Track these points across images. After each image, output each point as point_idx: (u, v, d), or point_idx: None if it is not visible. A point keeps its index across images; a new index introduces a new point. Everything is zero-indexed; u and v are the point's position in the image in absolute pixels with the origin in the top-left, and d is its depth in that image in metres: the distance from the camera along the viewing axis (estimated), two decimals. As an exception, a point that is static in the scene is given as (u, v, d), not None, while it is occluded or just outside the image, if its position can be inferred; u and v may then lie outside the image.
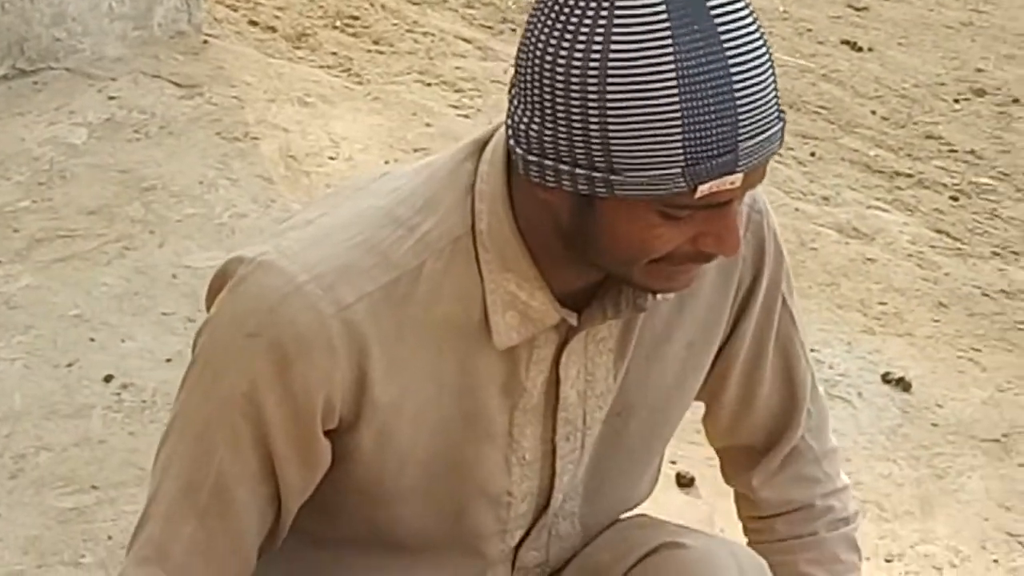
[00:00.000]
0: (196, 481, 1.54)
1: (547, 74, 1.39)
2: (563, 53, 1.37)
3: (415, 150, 3.73)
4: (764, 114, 1.39)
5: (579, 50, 1.37)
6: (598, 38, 1.36)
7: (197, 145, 3.64)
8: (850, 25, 4.77)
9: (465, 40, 4.30)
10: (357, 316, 1.49)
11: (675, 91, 1.35)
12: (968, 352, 3.30)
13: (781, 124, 1.41)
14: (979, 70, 4.54)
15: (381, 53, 4.17)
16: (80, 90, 3.81)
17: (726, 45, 1.36)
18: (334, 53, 4.14)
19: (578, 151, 1.39)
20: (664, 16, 1.35)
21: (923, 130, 4.19)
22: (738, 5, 1.38)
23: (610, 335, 1.60)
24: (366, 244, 1.51)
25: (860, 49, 4.60)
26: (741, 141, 1.37)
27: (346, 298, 1.49)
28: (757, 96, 1.38)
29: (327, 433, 1.54)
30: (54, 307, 3.08)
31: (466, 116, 3.92)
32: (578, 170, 1.40)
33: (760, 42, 1.39)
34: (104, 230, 3.32)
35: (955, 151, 4.10)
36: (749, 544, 1.87)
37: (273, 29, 4.20)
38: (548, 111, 1.39)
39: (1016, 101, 4.38)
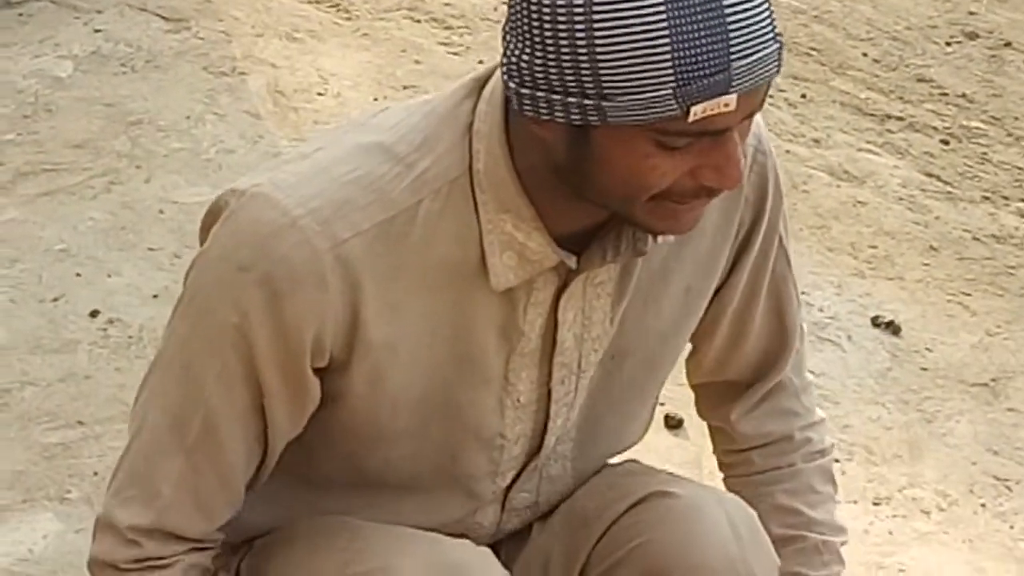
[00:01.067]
0: (184, 416, 1.52)
1: (534, 1, 1.37)
2: None
3: (404, 87, 3.70)
4: (757, 33, 1.36)
5: None
6: None
7: (184, 79, 3.61)
8: (843, -34, 4.74)
9: (455, -24, 4.26)
10: (352, 253, 1.47)
11: (662, 8, 1.33)
12: (958, 296, 3.29)
13: (777, 46, 1.38)
14: (971, 13, 4.51)
15: (370, -12, 4.14)
16: (66, 22, 3.77)
17: None
18: (323, -12, 4.10)
19: (568, 78, 1.37)
20: None
21: (915, 73, 4.17)
22: None
23: (608, 279, 1.59)
24: (363, 180, 1.49)
25: (852, -10, 4.57)
26: (734, 60, 1.35)
27: (341, 234, 1.47)
28: (749, 14, 1.35)
29: (317, 371, 1.52)
30: (39, 241, 3.06)
31: (456, 54, 3.89)
32: (570, 99, 1.38)
33: None
34: (90, 164, 3.30)
35: (946, 94, 4.08)
36: (726, 479, 1.87)
37: (261, -37, 4.16)
38: (537, 40, 1.37)
39: (1008, 45, 4.36)
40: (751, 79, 1.37)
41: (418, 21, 4.01)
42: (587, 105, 1.37)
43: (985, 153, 3.86)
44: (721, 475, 1.91)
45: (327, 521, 1.62)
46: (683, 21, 1.33)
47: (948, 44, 4.35)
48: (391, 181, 1.49)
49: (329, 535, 1.61)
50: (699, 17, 1.33)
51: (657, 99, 1.35)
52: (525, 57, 1.39)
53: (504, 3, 4.44)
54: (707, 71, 1.34)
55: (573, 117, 1.39)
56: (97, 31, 3.75)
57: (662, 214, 1.45)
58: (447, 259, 1.51)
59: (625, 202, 1.44)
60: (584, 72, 1.36)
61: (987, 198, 3.67)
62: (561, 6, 1.35)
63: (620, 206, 1.46)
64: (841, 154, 3.76)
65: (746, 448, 1.84)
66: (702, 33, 1.33)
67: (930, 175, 3.74)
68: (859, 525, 2.66)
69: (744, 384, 1.82)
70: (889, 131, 3.91)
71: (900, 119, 3.96)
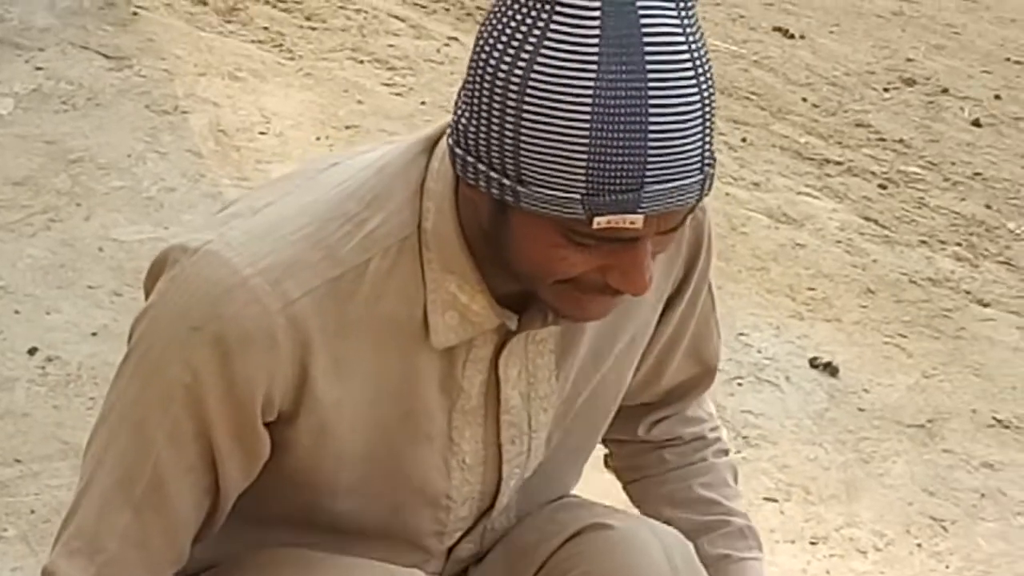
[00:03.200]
0: (132, 473, 1.51)
1: (479, 70, 1.38)
2: (496, 53, 1.37)
3: (346, 127, 3.71)
4: (679, 162, 1.36)
5: (510, 53, 1.36)
6: (529, 46, 1.35)
7: (126, 118, 3.60)
8: (782, 12, 4.79)
9: (398, 18, 4.28)
10: (302, 312, 1.47)
11: (587, 117, 1.33)
12: (895, 338, 3.32)
13: (700, 177, 1.38)
14: (909, 60, 4.57)
15: (313, 29, 4.15)
16: (7, 60, 3.76)
17: (651, 85, 1.34)
18: (266, 28, 4.10)
19: (494, 154, 1.38)
20: (596, 41, 1.33)
21: (853, 118, 4.22)
22: (677, 49, 1.35)
23: (549, 336, 1.59)
24: (313, 238, 1.48)
25: (792, 36, 4.62)
26: (648, 183, 1.35)
27: (292, 293, 1.46)
28: (674, 142, 1.35)
29: (266, 425, 1.52)
30: (-22, 278, 3.04)
31: (398, 94, 3.90)
32: (492, 173, 1.39)
33: (692, 91, 1.36)
34: (30, 201, 3.28)
35: (884, 140, 4.13)
36: (632, 483, 1.88)
37: (204, 2, 4.16)
38: (475, 107, 1.39)
39: (945, 91, 4.42)
40: (663, 204, 1.36)
41: (361, 62, 4.03)
42: (505, 184, 1.39)
43: (922, 198, 3.90)
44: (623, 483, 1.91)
45: (276, 552, 1.61)
46: (604, 133, 1.33)
47: (886, 90, 4.40)
48: (341, 239, 1.48)
49: (278, 565, 1.60)
50: (620, 134, 1.33)
51: (565, 199, 1.36)
52: (464, 120, 1.41)
53: (447, 45, 4.45)
54: (617, 187, 1.35)
55: (493, 191, 1.40)
56: (39, 69, 3.74)
57: (567, 300, 1.46)
58: (393, 317, 1.51)
59: (532, 281, 1.45)
60: (507, 153, 1.37)
61: (924, 242, 3.71)
62: (500, 82, 1.36)
63: (528, 283, 1.47)
64: (780, 197, 3.79)
65: (657, 447, 1.85)
66: (620, 150, 1.34)
67: (868, 219, 3.78)
68: (796, 564, 2.68)
69: (653, 406, 1.84)
70: (828, 175, 3.95)
71: (839, 163, 4.00)
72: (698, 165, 1.37)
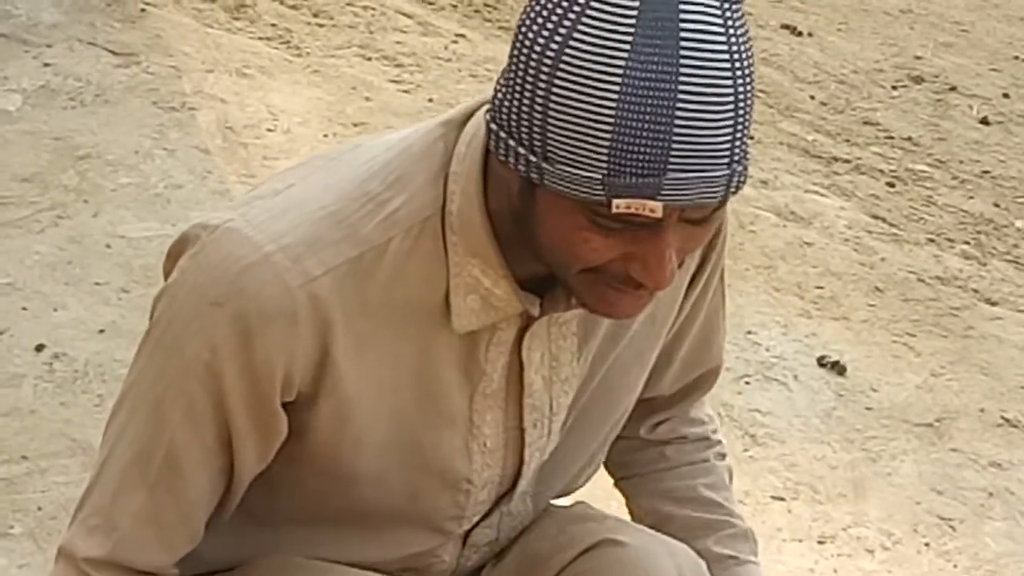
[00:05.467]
0: (148, 451, 1.51)
1: (518, 45, 1.39)
2: (535, 27, 1.37)
3: (354, 124, 3.71)
4: (705, 153, 1.35)
5: (548, 28, 1.36)
6: (566, 22, 1.35)
7: (133, 114, 3.60)
8: (790, 9, 4.78)
9: (406, 15, 4.28)
10: (323, 290, 1.46)
11: (615, 97, 1.33)
12: (903, 337, 3.32)
13: (727, 172, 1.36)
14: (917, 57, 4.56)
15: (321, 26, 4.15)
16: (15, 56, 3.76)
17: (683, 71, 1.33)
18: (273, 25, 4.10)
19: (523, 129, 1.38)
20: (632, 22, 1.33)
21: (861, 116, 4.21)
22: (714, 39, 1.34)
23: (573, 317, 1.59)
24: (335, 217, 1.48)
25: (800, 34, 4.61)
26: (670, 171, 1.34)
27: (313, 271, 1.46)
28: (701, 132, 1.34)
29: (284, 406, 1.51)
30: (-15, 275, 3.05)
31: (406, 91, 3.90)
32: (521, 149, 1.39)
33: (726, 83, 1.35)
34: (37, 198, 3.29)
35: (892, 137, 4.13)
36: (628, 479, 1.88)
37: (212, -1, 4.16)
38: (511, 82, 1.39)
39: (953, 89, 4.41)
40: (686, 194, 1.35)
41: (368, 59, 4.03)
42: (532, 161, 1.38)
43: (930, 196, 3.89)
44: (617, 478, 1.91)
45: (285, 562, 1.61)
46: (630, 115, 1.33)
47: (894, 88, 4.39)
48: (362, 218, 1.48)
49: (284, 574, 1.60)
50: (647, 117, 1.33)
51: (587, 179, 1.36)
52: (500, 95, 1.41)
53: (454, 42, 4.46)
54: (639, 171, 1.34)
55: (520, 168, 1.40)
56: (46, 65, 3.75)
57: (596, 293, 1.45)
58: (412, 298, 1.50)
59: (560, 268, 1.45)
60: (536, 128, 1.37)
61: (932, 240, 3.71)
62: (535, 58, 1.36)
63: (557, 270, 1.46)
64: (788, 195, 3.78)
65: (658, 445, 1.85)
66: (644, 134, 1.33)
67: (876, 217, 3.77)
68: (804, 564, 2.68)
69: (656, 407, 1.84)
70: (836, 173, 3.94)
71: (846, 161, 3.99)
72: (726, 160, 1.36)
